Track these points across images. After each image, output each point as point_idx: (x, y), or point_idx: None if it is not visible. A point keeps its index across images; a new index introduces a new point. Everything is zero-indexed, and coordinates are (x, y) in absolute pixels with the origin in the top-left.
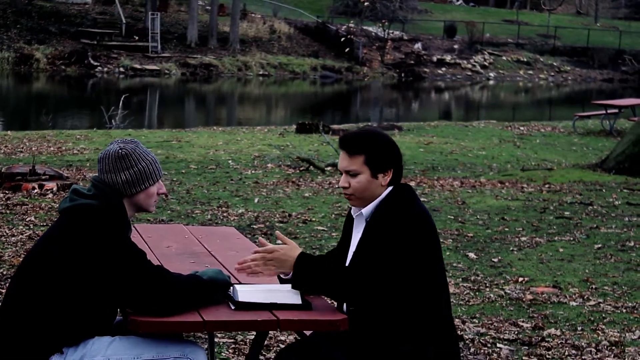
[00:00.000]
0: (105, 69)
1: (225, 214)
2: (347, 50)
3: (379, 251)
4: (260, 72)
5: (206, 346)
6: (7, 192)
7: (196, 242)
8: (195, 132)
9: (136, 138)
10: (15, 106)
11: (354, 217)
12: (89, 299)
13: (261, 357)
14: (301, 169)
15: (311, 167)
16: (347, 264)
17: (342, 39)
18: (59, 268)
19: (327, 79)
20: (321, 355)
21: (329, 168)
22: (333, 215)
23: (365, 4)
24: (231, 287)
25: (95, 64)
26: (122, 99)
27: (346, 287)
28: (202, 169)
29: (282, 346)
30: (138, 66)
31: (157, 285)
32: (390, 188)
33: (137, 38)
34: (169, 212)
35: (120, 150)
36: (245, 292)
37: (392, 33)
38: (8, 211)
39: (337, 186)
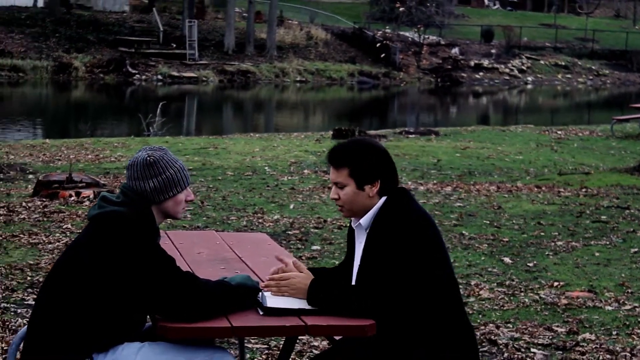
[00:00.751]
0: (144, 77)
1: (260, 220)
2: (382, 55)
3: (383, 262)
4: (298, 79)
5: (238, 352)
6: (44, 199)
7: (227, 248)
8: (232, 139)
9: (173, 145)
10: (55, 114)
11: (354, 228)
12: (118, 305)
13: None
14: None
15: None
16: (353, 278)
17: (378, 45)
18: (88, 275)
19: (365, 84)
20: None
21: None
22: None
23: (401, 9)
24: (260, 293)
25: (134, 71)
26: (159, 106)
27: (358, 306)
28: (239, 175)
29: (316, 352)
30: (176, 74)
31: (186, 291)
32: (385, 197)
33: (174, 45)
34: (204, 218)
35: (148, 158)
36: (274, 298)
37: (428, 38)
38: (45, 219)
39: None
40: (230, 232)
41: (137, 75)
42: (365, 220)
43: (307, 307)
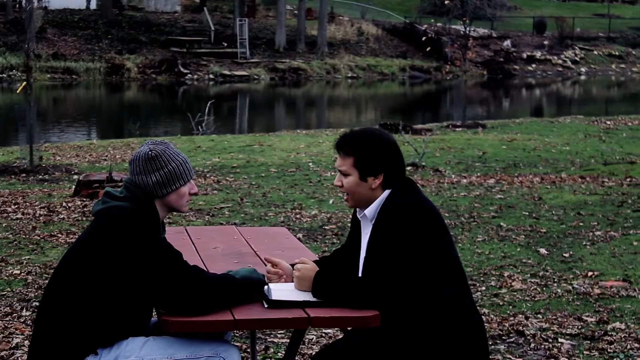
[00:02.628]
0: (195, 76)
1: (298, 216)
2: (428, 49)
3: (388, 253)
4: (349, 75)
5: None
6: (84, 199)
7: (244, 242)
8: (277, 136)
9: (219, 143)
10: (107, 116)
11: (359, 218)
12: (123, 300)
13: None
14: None
15: None
16: (360, 269)
17: (424, 39)
18: (93, 270)
19: (416, 79)
20: (358, 354)
21: (408, 168)
22: None
23: (446, 2)
24: (266, 286)
25: (185, 71)
26: (208, 105)
27: (364, 299)
28: (282, 172)
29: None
30: (227, 72)
31: (190, 285)
32: (390, 189)
33: (225, 44)
34: (242, 215)
35: (150, 152)
36: (279, 291)
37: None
38: (84, 218)
39: None
40: (250, 227)
41: (189, 75)
42: (369, 211)
43: (313, 299)
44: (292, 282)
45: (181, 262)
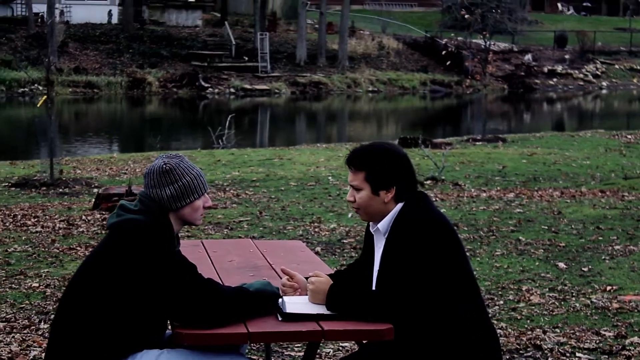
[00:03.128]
0: (216, 90)
1: (317, 230)
2: (448, 63)
3: (402, 267)
4: (370, 89)
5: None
6: (104, 212)
7: (260, 255)
8: (297, 150)
9: (239, 157)
10: (128, 129)
11: (372, 232)
12: (137, 312)
13: None
14: None
15: None
16: (373, 284)
17: (444, 52)
18: (107, 282)
19: (437, 93)
20: None
21: (428, 182)
22: None
23: (467, 16)
24: (280, 299)
25: (206, 85)
26: (228, 119)
27: (377, 313)
28: (302, 185)
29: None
30: (248, 86)
31: (203, 298)
32: (402, 203)
33: (246, 58)
34: (261, 228)
35: (164, 165)
36: (293, 304)
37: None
38: (103, 231)
39: (434, 199)
40: (266, 240)
41: (210, 89)
42: (382, 225)
43: (327, 312)
44: (307, 295)
45: (195, 274)
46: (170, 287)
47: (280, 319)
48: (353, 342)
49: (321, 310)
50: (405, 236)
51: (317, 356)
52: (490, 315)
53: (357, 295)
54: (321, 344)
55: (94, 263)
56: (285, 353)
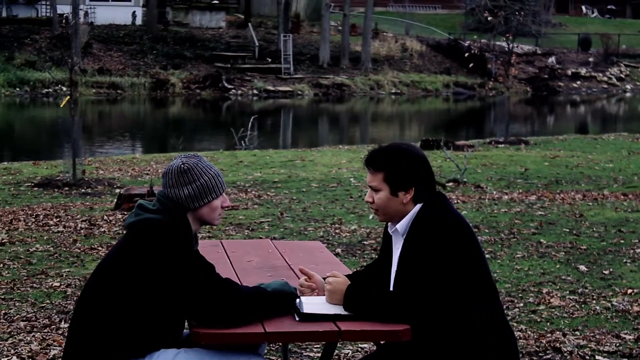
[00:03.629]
0: (239, 92)
1: (337, 231)
2: (471, 65)
3: (420, 268)
4: (393, 91)
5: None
6: (125, 212)
7: (278, 256)
8: (319, 151)
9: (261, 158)
10: (151, 130)
11: (390, 233)
12: (154, 311)
13: None
14: None
15: None
16: (391, 284)
17: (466, 55)
18: (124, 281)
19: (460, 95)
20: None
21: (450, 184)
22: None
23: (489, 18)
24: (298, 299)
25: (230, 86)
26: (251, 120)
27: (395, 313)
28: (323, 187)
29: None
30: (271, 88)
31: (221, 297)
32: (421, 204)
33: (270, 60)
34: (282, 229)
35: (182, 165)
36: (311, 304)
37: (519, 47)
38: (124, 231)
39: (455, 201)
40: (285, 241)
41: (233, 90)
42: (401, 226)
43: (344, 312)
44: (324, 295)
45: (213, 274)
46: (188, 286)
47: (297, 319)
48: (372, 343)
49: (338, 310)
50: (423, 237)
51: (336, 357)
52: (509, 317)
53: (375, 295)
54: (340, 345)
55: (112, 262)
56: (304, 354)
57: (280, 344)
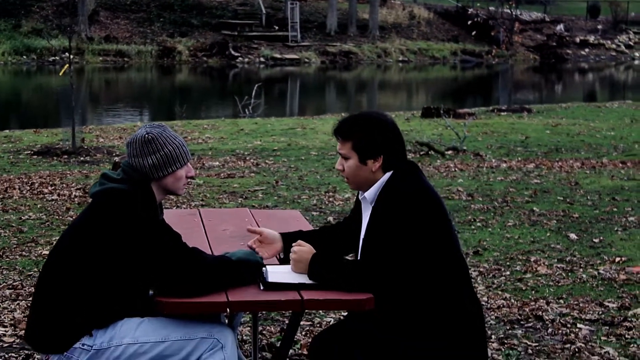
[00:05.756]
0: (246, 60)
1: (331, 199)
2: (474, 33)
3: (385, 237)
4: (400, 59)
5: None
6: None
7: (254, 225)
8: (321, 119)
9: (262, 126)
10: (158, 98)
11: (360, 200)
12: (118, 281)
13: None
14: (421, 153)
15: (431, 151)
16: (358, 251)
17: (469, 22)
18: (88, 251)
19: (467, 63)
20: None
21: (449, 152)
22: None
23: None
24: (264, 268)
25: (236, 54)
26: (254, 88)
27: (358, 282)
28: (322, 155)
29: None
30: (278, 55)
31: (185, 266)
32: (391, 172)
33: (277, 28)
34: (275, 198)
35: (146, 135)
36: (276, 273)
37: (524, 14)
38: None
39: (453, 169)
40: (263, 210)
41: (240, 58)
42: (369, 194)
43: (309, 282)
44: (282, 253)
45: (179, 243)
46: (151, 254)
47: (262, 288)
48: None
49: (304, 279)
50: (389, 206)
51: (310, 327)
52: (495, 286)
53: (338, 264)
54: (315, 315)
55: (76, 232)
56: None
57: (264, 312)
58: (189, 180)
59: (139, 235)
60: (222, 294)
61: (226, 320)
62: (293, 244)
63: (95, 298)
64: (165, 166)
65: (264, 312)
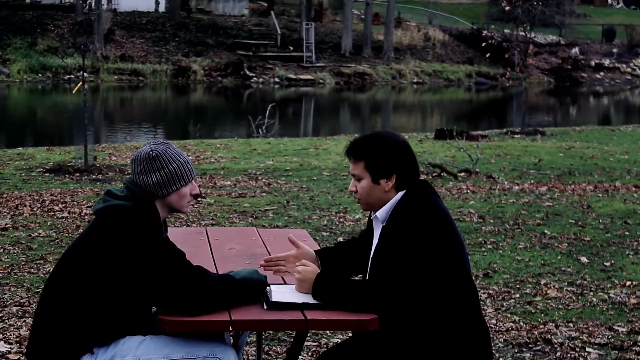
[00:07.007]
0: (261, 80)
1: (341, 220)
2: (488, 55)
3: (394, 257)
4: (414, 80)
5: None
6: None
7: (260, 244)
8: (334, 140)
9: (275, 146)
10: (172, 118)
11: (372, 220)
12: (121, 298)
13: None
14: (433, 174)
15: (443, 173)
16: (367, 270)
17: (483, 44)
18: (91, 268)
19: (482, 85)
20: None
21: (462, 174)
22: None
23: (506, 8)
24: (268, 287)
25: (251, 74)
26: (268, 108)
27: (364, 302)
28: (334, 175)
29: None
30: (293, 76)
31: (188, 285)
32: (403, 191)
33: (292, 48)
34: (286, 217)
35: (151, 152)
36: (280, 292)
37: (539, 37)
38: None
39: (465, 191)
40: (271, 229)
41: (255, 78)
42: (381, 213)
43: (313, 302)
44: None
45: (182, 261)
46: (154, 273)
47: (265, 307)
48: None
49: (308, 299)
50: (400, 223)
51: (316, 348)
52: (504, 308)
53: (343, 284)
54: (322, 336)
55: (79, 249)
56: (307, 345)
57: (270, 332)
58: (194, 198)
59: (142, 252)
60: (225, 312)
61: (231, 340)
62: (297, 264)
63: (97, 316)
64: (170, 184)
65: (269, 331)
